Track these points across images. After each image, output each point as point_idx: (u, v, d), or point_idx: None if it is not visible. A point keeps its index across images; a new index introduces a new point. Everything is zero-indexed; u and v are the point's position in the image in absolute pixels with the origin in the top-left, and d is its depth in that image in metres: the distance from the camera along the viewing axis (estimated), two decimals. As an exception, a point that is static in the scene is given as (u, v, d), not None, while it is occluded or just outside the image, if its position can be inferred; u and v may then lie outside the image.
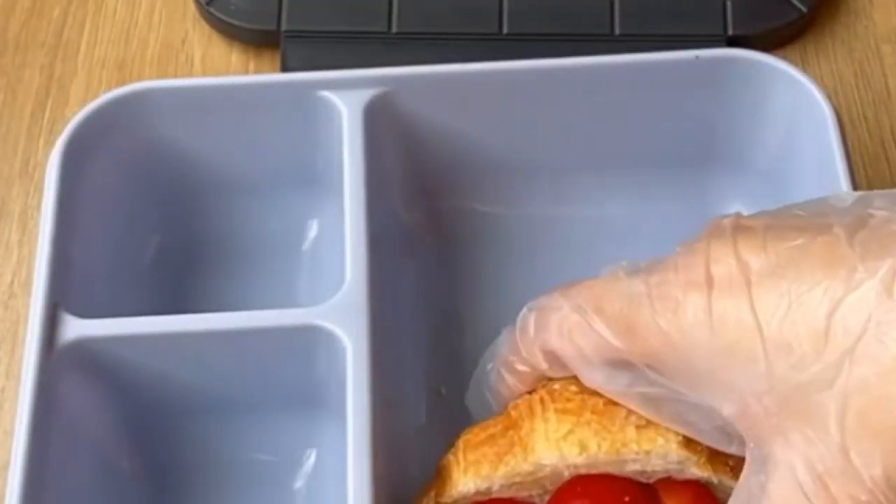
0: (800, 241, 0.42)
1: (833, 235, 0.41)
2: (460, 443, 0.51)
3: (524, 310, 0.51)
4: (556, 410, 0.49)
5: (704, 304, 0.43)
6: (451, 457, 0.51)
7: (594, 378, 0.48)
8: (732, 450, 0.47)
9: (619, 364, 0.47)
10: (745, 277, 0.42)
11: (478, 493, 0.50)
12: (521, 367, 0.51)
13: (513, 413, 0.51)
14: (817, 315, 0.40)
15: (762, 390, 0.42)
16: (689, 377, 0.44)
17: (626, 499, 0.48)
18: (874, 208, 0.42)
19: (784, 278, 0.41)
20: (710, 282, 0.43)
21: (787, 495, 0.41)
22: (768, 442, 0.42)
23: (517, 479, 0.49)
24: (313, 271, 0.63)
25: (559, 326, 0.48)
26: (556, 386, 0.50)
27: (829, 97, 0.58)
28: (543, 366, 0.50)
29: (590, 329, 0.46)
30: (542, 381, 0.51)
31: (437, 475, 0.52)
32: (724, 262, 0.43)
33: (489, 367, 0.53)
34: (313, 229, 0.65)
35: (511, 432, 0.50)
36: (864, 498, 0.40)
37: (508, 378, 0.51)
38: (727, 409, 0.44)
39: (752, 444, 0.43)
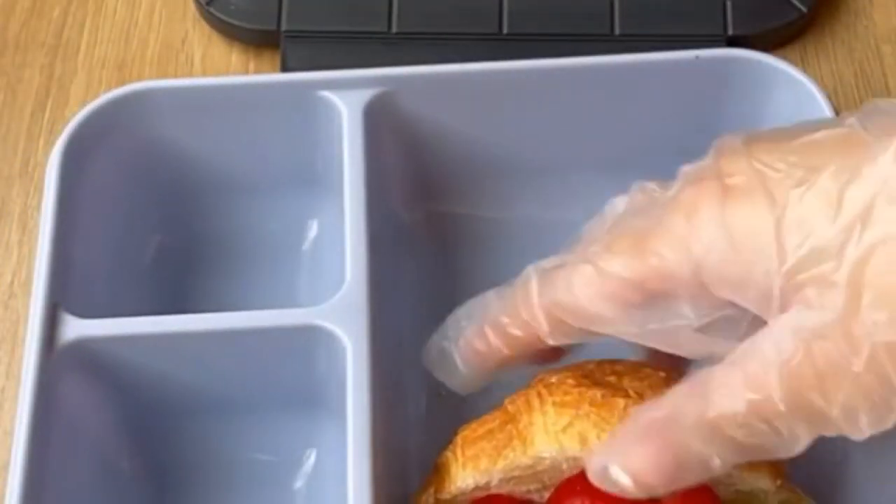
0: (813, 136, 0.42)
1: (846, 126, 0.42)
2: (458, 438, 0.52)
3: (527, 269, 0.50)
4: (554, 403, 0.49)
5: (718, 212, 0.43)
6: (449, 453, 0.52)
7: (605, 325, 0.47)
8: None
9: (631, 304, 0.46)
10: (758, 175, 0.42)
11: (476, 488, 0.50)
12: (513, 331, 0.50)
13: (510, 408, 0.51)
14: (831, 190, 0.40)
15: (774, 270, 0.41)
16: (705, 289, 0.44)
17: None
18: (879, 110, 0.42)
19: (799, 167, 0.41)
20: (725, 191, 0.43)
21: (759, 348, 0.42)
22: (767, 308, 0.42)
23: (516, 473, 0.49)
24: (313, 271, 0.63)
25: (568, 280, 0.47)
26: (553, 380, 0.50)
27: (829, 97, 0.58)
28: (545, 328, 0.48)
29: (601, 273, 0.46)
30: (530, 347, 0.50)
31: (435, 471, 0.52)
32: (737, 171, 0.43)
33: (462, 323, 0.52)
34: (313, 229, 0.65)
35: (509, 426, 0.50)
36: (855, 368, 0.39)
37: (493, 339, 0.50)
38: (750, 299, 0.43)
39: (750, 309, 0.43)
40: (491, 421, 0.51)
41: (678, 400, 0.44)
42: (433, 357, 0.53)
